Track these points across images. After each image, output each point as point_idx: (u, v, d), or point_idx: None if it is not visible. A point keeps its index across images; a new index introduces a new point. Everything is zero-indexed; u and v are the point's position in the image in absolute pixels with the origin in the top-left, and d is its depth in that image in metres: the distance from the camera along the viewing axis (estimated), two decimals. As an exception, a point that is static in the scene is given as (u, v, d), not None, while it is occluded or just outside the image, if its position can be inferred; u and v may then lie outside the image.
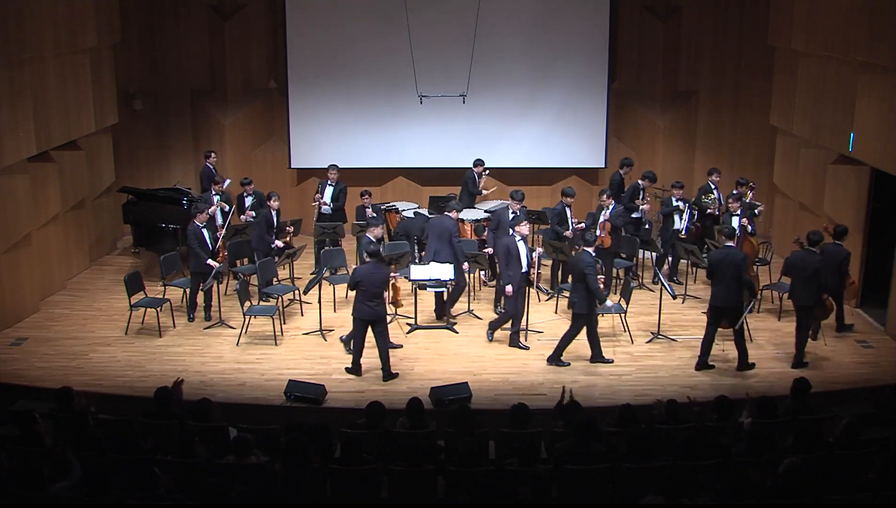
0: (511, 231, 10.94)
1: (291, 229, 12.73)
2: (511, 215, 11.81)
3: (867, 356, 10.65)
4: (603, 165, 15.76)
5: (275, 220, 12.42)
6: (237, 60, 15.53)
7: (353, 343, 10.13)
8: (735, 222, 11.92)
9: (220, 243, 11.81)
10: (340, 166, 13.78)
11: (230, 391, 9.74)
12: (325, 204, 13.44)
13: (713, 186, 13.00)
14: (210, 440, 7.52)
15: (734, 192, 12.49)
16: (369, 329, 9.97)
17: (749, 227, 11.86)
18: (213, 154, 14.34)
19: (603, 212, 12.19)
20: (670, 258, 13.13)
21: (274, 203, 12.37)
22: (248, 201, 13.17)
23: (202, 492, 6.29)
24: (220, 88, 15.61)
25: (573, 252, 11.51)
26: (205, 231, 11.42)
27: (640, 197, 13.14)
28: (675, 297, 11.44)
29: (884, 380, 9.89)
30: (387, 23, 14.78)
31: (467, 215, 13.92)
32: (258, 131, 15.89)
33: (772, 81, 14.26)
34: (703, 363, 10.25)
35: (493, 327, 11.04)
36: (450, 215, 11.55)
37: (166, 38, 15.31)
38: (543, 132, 15.56)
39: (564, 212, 12.33)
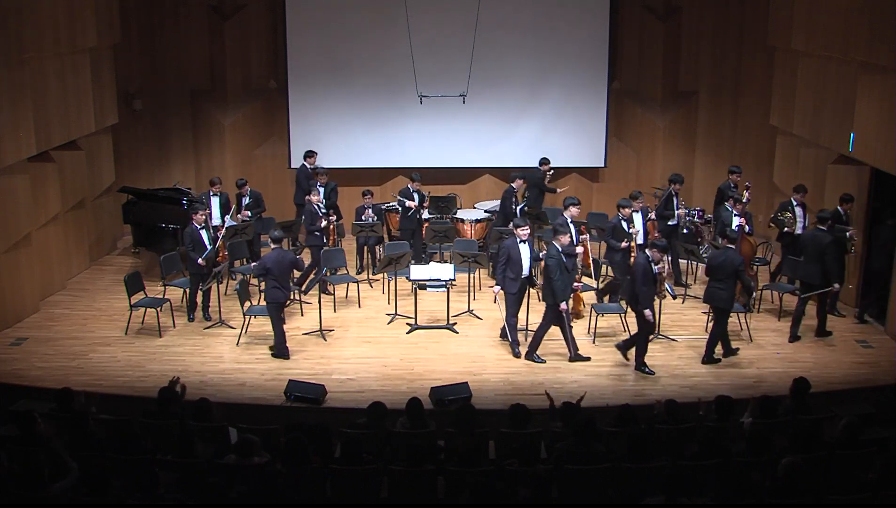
0: (646, 252, 10.22)
1: (334, 217, 12.86)
2: (568, 220, 11.24)
3: (867, 356, 10.65)
4: (603, 165, 15.76)
5: (318, 211, 12.51)
6: (237, 60, 15.53)
7: (275, 328, 10.46)
8: (735, 222, 11.92)
9: (220, 242, 11.78)
10: (340, 166, 13.79)
11: (230, 391, 9.73)
12: (320, 201, 13.44)
13: (795, 204, 12.10)
14: (210, 441, 7.53)
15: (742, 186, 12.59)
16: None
17: (747, 227, 11.85)
18: (314, 154, 14.26)
19: (638, 214, 11.83)
20: (669, 258, 13.04)
21: (314, 197, 12.50)
22: (245, 201, 13.15)
23: (202, 492, 6.28)
24: (220, 88, 15.61)
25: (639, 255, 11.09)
26: (203, 232, 11.38)
27: (675, 203, 12.76)
28: (675, 297, 11.44)
29: (884, 380, 9.89)
30: (387, 23, 14.78)
31: (467, 215, 13.95)
32: (258, 131, 15.89)
33: (772, 81, 14.26)
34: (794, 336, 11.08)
35: (625, 348, 10.44)
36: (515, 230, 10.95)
37: (166, 38, 15.31)
38: (543, 132, 15.57)
39: (620, 225, 11.58)
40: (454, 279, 11.32)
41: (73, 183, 13.02)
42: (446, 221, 13.62)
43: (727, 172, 13.43)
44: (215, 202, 12.85)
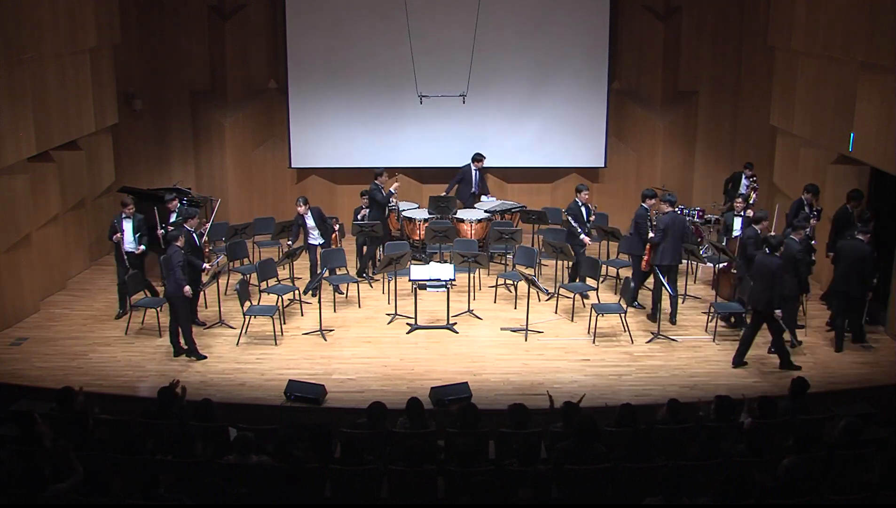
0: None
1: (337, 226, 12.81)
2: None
3: (867, 356, 10.65)
4: (603, 165, 15.76)
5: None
6: (237, 60, 15.53)
7: (179, 323, 10.51)
8: (738, 222, 11.93)
9: (204, 239, 11.46)
10: (340, 166, 13.70)
11: (230, 391, 9.73)
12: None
13: None
14: (211, 440, 7.53)
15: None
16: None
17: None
18: (483, 157, 14.38)
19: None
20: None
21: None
22: (173, 217, 12.06)
23: (202, 492, 6.29)
24: (220, 88, 15.61)
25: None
26: (195, 235, 11.04)
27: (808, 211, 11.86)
28: (674, 296, 11.44)
29: (884, 380, 9.89)
30: (387, 23, 14.79)
31: (467, 215, 13.95)
32: (258, 131, 15.89)
33: (772, 81, 14.27)
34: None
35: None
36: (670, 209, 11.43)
37: (166, 38, 15.30)
38: (543, 132, 15.57)
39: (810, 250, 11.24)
40: (454, 279, 11.32)
41: (73, 183, 13.02)
42: (446, 221, 13.62)
43: (731, 187, 13.26)
44: (128, 226, 11.71)
